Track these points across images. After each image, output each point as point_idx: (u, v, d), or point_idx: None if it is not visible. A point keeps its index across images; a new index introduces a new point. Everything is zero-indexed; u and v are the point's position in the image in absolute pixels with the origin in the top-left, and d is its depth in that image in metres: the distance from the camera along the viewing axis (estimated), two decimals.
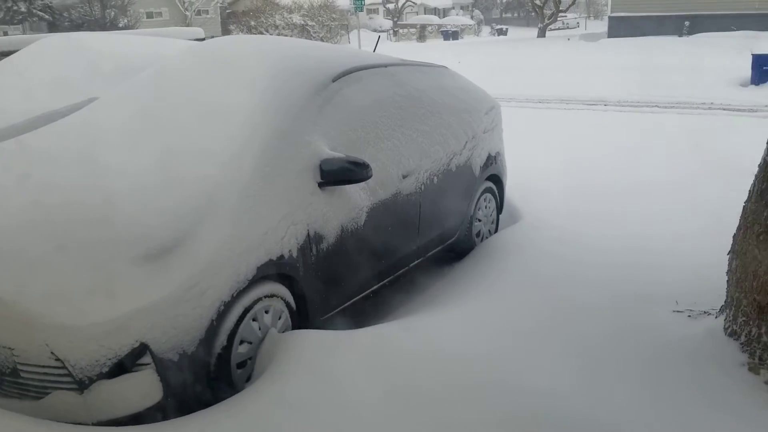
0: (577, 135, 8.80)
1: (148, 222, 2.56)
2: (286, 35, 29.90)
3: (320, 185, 3.08)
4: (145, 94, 3.51)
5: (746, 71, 13.77)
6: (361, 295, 3.49)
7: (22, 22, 29.76)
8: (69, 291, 2.34)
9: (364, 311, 3.63)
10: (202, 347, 2.49)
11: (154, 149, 2.98)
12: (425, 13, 56.58)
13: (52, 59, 4.93)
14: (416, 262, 4.01)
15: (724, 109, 11.04)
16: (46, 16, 29.90)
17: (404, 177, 3.71)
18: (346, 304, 3.37)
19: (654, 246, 4.20)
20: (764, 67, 13.47)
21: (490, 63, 19.63)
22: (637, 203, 5.30)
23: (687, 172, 6.14)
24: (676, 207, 5.12)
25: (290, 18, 33.97)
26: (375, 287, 3.61)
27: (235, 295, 2.61)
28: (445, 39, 42.32)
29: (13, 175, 2.95)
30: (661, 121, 9.90)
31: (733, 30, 24.93)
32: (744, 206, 2.87)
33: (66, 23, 30.37)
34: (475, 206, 4.61)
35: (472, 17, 60.33)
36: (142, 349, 2.32)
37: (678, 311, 3.24)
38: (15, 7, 29.13)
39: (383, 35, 41.49)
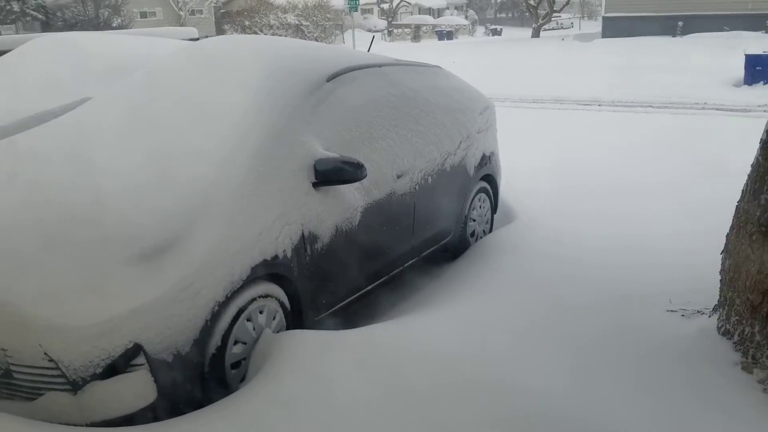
0: (572, 135, 8.82)
1: (141, 222, 2.55)
2: (280, 35, 29.85)
3: (314, 185, 3.07)
4: (139, 94, 3.50)
5: (739, 71, 13.85)
6: (355, 295, 3.48)
7: (15, 21, 29.60)
8: (62, 291, 2.33)
9: (358, 311, 3.63)
10: (196, 348, 2.48)
11: (147, 149, 2.97)
12: (420, 13, 56.64)
13: (45, 59, 4.92)
14: (411, 262, 4.01)
15: (718, 109, 11.09)
16: (40, 16, 29.75)
17: (398, 177, 3.71)
18: (340, 304, 3.37)
19: (647, 246, 4.21)
20: (757, 68, 13.54)
21: (484, 63, 19.67)
22: (630, 203, 5.32)
23: (680, 172, 6.16)
24: (670, 207, 5.14)
25: (285, 18, 33.90)
26: (369, 287, 3.61)
27: (229, 295, 2.60)
28: (439, 39, 42.34)
29: (7, 176, 2.94)
30: (655, 121, 9.95)
31: (727, 30, 25.07)
32: (737, 206, 2.89)
33: (59, 23, 30.22)
34: (470, 206, 4.61)
35: (466, 17, 60.40)
36: (136, 349, 2.32)
37: (671, 311, 3.25)
38: (8, 7, 28.98)
39: (378, 35, 41.55)
